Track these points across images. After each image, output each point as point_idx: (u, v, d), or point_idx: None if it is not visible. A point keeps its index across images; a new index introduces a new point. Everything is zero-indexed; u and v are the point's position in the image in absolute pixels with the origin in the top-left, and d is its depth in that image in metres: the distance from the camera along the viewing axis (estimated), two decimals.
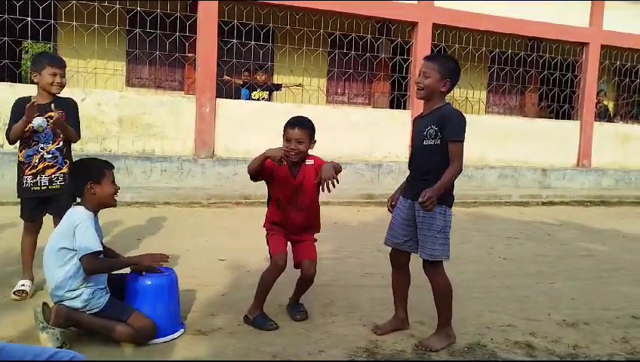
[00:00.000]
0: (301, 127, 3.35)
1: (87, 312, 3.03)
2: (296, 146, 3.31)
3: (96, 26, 9.08)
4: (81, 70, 9.64)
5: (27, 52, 16.05)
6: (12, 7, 8.55)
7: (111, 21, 9.37)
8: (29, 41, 9.91)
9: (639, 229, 7.74)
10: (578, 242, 6.64)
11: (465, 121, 3.22)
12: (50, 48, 10.86)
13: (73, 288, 3.01)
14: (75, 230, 3.00)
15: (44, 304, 3.04)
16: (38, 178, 3.85)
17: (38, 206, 3.92)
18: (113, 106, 8.84)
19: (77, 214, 3.08)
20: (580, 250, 6.23)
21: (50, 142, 3.88)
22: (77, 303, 3.01)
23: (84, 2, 9.05)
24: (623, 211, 9.73)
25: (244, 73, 10.33)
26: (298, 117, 3.48)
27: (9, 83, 8.52)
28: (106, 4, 9.22)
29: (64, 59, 4.08)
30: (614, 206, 10.33)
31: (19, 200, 4.01)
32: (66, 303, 3.01)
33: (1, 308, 3.50)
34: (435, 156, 3.19)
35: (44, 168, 3.86)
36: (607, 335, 3.55)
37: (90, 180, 3.12)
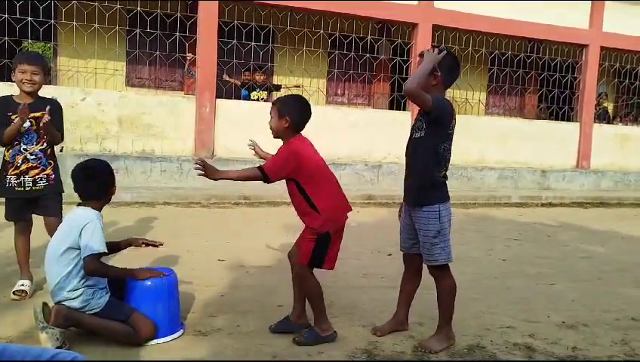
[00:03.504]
0: (272, 104, 3.32)
1: (87, 312, 3.03)
2: (269, 123, 3.31)
3: (96, 25, 9.08)
4: (81, 70, 9.65)
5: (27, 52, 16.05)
6: (12, 7, 8.55)
7: (111, 21, 9.37)
8: (30, 40, 9.90)
9: (638, 231, 7.74)
10: (577, 243, 6.64)
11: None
12: (50, 48, 10.85)
13: (74, 288, 3.01)
14: (82, 230, 3.00)
15: (44, 304, 3.03)
16: (22, 178, 3.83)
17: (24, 206, 3.90)
18: (113, 106, 8.84)
19: (84, 214, 3.09)
20: (580, 251, 6.23)
21: (34, 143, 3.85)
22: (77, 303, 3.02)
23: (84, 2, 9.05)
24: (622, 213, 9.73)
25: (244, 73, 10.31)
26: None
27: (9, 82, 8.51)
28: (106, 4, 9.22)
29: (39, 56, 4.02)
30: (613, 207, 10.35)
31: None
32: (65, 303, 3.01)
33: (0, 308, 3.50)
34: (420, 148, 3.21)
35: (28, 169, 3.84)
36: (607, 337, 3.55)
37: (112, 184, 3.24)
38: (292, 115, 3.24)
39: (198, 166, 3.15)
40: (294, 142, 3.25)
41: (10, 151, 3.84)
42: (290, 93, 10.66)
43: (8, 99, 3.88)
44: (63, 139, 4.03)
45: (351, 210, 3.36)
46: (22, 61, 3.84)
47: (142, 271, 3.24)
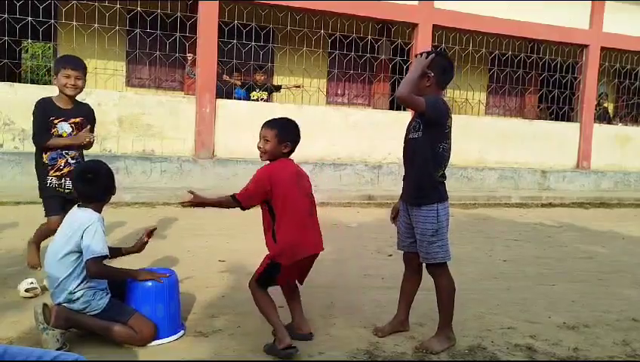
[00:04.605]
0: (267, 127, 3.23)
1: (88, 314, 3.03)
2: (263, 145, 3.22)
3: (96, 25, 9.08)
4: None
5: (27, 52, 16.04)
6: (12, 7, 8.55)
7: (111, 21, 9.37)
8: (29, 40, 9.90)
9: (639, 231, 7.74)
10: (578, 244, 6.64)
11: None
12: (50, 48, 10.86)
13: (74, 289, 3.01)
14: (84, 232, 2.99)
15: (45, 305, 3.03)
16: (63, 180, 3.93)
17: (63, 204, 3.96)
18: (113, 106, 8.83)
19: (86, 216, 3.07)
20: (580, 252, 6.23)
21: (74, 147, 3.95)
22: (78, 304, 3.01)
23: (84, 2, 9.05)
24: (622, 213, 9.73)
25: (234, 74, 10.20)
26: (275, 118, 3.36)
27: (9, 83, 8.52)
28: (106, 4, 9.22)
29: (82, 60, 4.06)
30: (614, 208, 10.34)
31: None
32: (66, 304, 3.01)
33: (1, 309, 3.49)
34: (418, 149, 3.23)
35: (69, 172, 3.93)
36: (608, 338, 3.55)
37: (113, 186, 3.25)
38: (293, 140, 3.23)
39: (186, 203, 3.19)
40: (273, 166, 3.19)
41: (50, 154, 3.90)
42: (290, 93, 10.70)
43: (49, 102, 3.94)
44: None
45: (316, 251, 3.22)
46: (66, 65, 3.91)
47: (143, 272, 3.24)
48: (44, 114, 3.89)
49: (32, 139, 3.93)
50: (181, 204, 3.23)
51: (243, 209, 3.20)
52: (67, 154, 3.94)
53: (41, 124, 3.88)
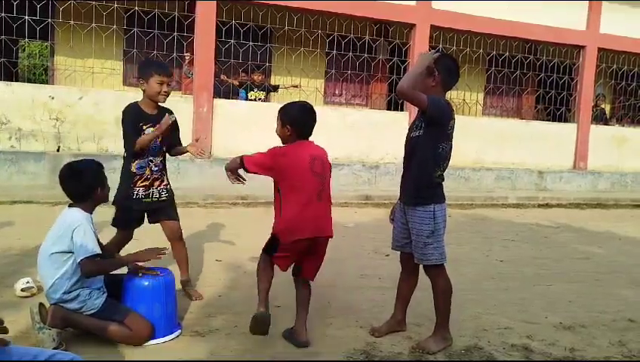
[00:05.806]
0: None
1: (84, 313, 3.02)
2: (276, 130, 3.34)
3: (93, 25, 9.05)
4: (79, 69, 9.61)
5: (24, 50, 16.01)
6: (9, 6, 8.53)
7: (108, 20, 9.34)
8: (26, 39, 9.86)
9: (635, 232, 7.76)
10: (575, 245, 6.65)
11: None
12: (47, 47, 10.82)
13: (69, 289, 3.00)
14: (73, 232, 2.97)
15: (41, 304, 3.03)
16: (151, 190, 3.84)
17: (139, 218, 3.90)
18: (110, 106, 8.79)
19: (74, 216, 3.05)
20: (577, 252, 6.24)
21: (158, 154, 3.87)
22: (74, 304, 3.01)
23: (81, 1, 9.02)
24: (619, 214, 9.75)
25: (241, 74, 10.28)
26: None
27: (6, 82, 8.49)
28: (103, 3, 9.19)
29: (170, 68, 3.99)
30: (610, 208, 10.36)
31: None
32: (62, 304, 3.00)
33: None
34: (419, 148, 3.22)
35: (154, 180, 3.86)
36: (604, 338, 3.56)
37: (99, 185, 3.16)
38: (293, 124, 3.23)
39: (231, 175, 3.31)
40: (285, 148, 3.25)
41: (138, 162, 3.79)
42: (288, 93, 10.68)
43: (138, 108, 3.81)
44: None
45: (315, 235, 3.24)
46: (161, 72, 3.78)
47: (142, 253, 3.20)
48: (136, 120, 3.75)
49: (125, 146, 3.76)
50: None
51: (245, 170, 3.23)
52: (152, 161, 3.81)
53: (133, 131, 3.71)
